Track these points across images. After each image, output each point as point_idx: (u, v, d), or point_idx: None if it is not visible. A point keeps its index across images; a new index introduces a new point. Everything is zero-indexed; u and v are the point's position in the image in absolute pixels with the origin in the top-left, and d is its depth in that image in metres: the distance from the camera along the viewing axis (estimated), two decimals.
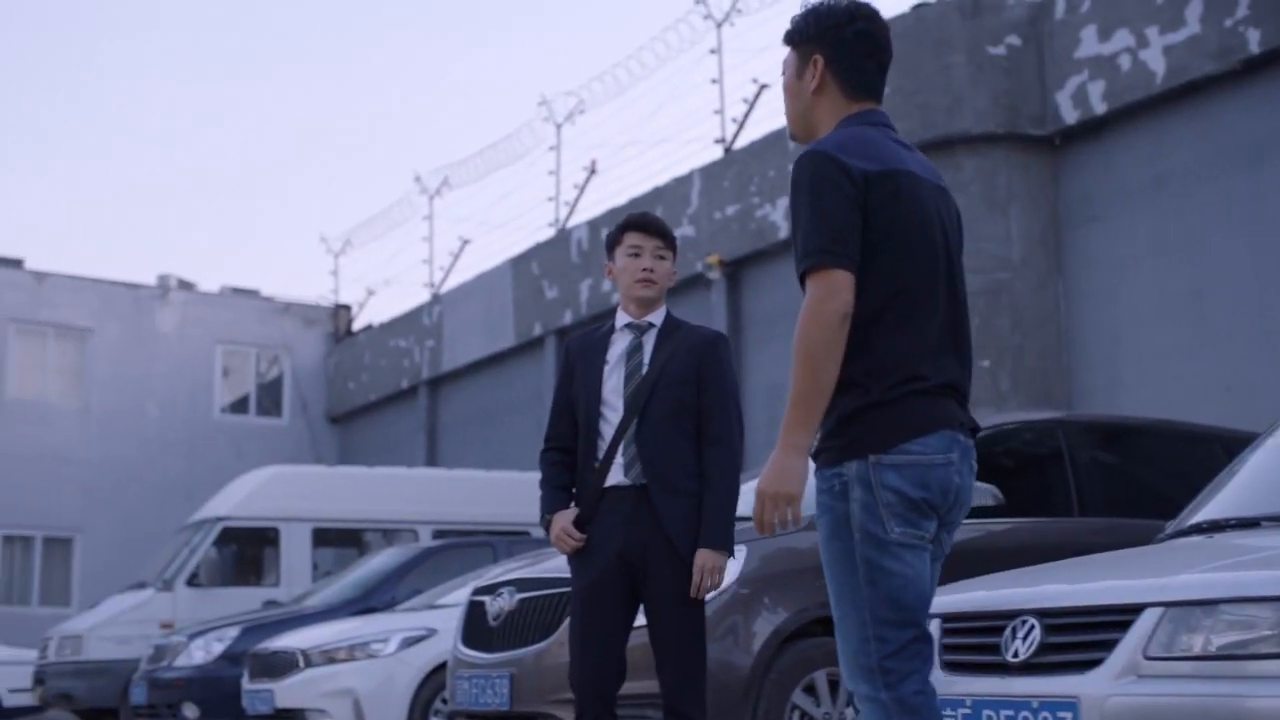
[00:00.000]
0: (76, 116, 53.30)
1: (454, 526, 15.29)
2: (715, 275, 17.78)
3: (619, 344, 5.08)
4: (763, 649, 5.85)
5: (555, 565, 6.46)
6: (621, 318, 5.14)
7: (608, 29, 58.40)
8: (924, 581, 3.32)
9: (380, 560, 12.72)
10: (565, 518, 4.90)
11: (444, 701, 9.10)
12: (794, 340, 3.27)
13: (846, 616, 3.33)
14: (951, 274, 3.46)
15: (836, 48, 3.51)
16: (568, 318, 20.94)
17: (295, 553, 15.17)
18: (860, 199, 3.29)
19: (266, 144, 56.41)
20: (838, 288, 3.22)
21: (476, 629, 6.55)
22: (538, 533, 15.12)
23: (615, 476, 4.81)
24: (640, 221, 5.15)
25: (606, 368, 5.00)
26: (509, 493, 16.20)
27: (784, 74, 3.65)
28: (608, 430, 4.88)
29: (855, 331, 3.27)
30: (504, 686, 6.15)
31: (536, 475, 17.21)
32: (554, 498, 5.01)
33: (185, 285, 28.35)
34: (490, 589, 6.54)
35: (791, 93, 3.61)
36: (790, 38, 3.62)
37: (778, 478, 3.28)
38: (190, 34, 55.38)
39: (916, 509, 3.27)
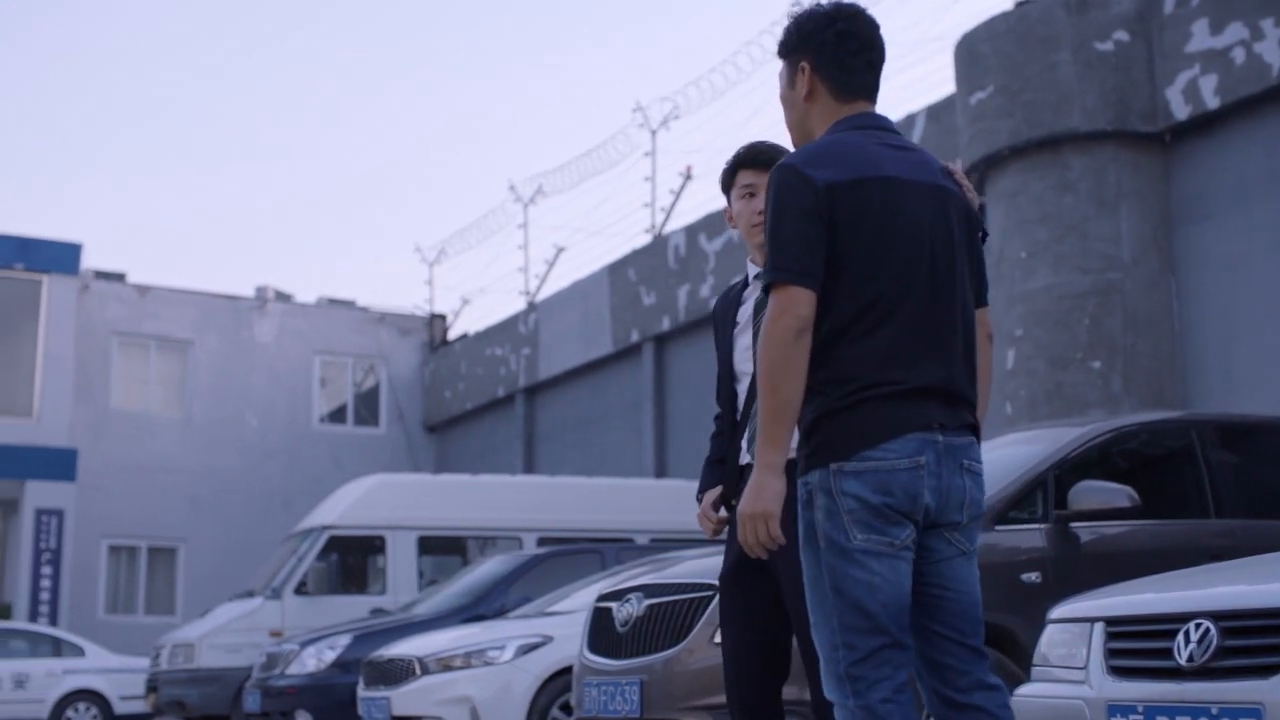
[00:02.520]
0: (177, 133, 54.07)
1: (558, 534, 15.27)
2: None
3: (750, 300, 4.49)
4: None
5: (683, 570, 6.41)
6: (750, 268, 4.56)
7: (703, 35, 58.40)
8: (894, 589, 3.26)
9: (488, 567, 12.72)
10: (708, 498, 4.45)
11: (562, 709, 9.07)
12: (757, 359, 3.29)
13: (818, 625, 3.34)
14: (937, 276, 3.39)
15: (820, 52, 3.52)
16: (665, 324, 20.89)
17: (401, 560, 15.22)
18: (823, 210, 3.28)
19: (361, 156, 56.92)
20: (792, 303, 3.23)
21: (603, 635, 6.50)
22: (643, 539, 15.12)
23: (746, 453, 4.34)
24: (752, 155, 4.51)
25: (737, 329, 4.53)
26: (613, 499, 16.18)
27: (779, 86, 3.65)
28: (740, 400, 4.49)
29: (822, 342, 3.28)
30: (634, 693, 6.09)
31: (639, 482, 17.25)
32: (705, 475, 4.61)
33: (283, 297, 28.63)
34: (617, 595, 6.49)
35: (787, 103, 3.62)
36: (779, 49, 3.63)
37: (754, 498, 3.26)
38: (288, 52, 56.05)
39: (881, 515, 3.24)
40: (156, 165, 54.95)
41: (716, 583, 5.98)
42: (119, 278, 27.61)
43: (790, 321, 3.22)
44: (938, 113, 15.94)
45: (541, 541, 15.15)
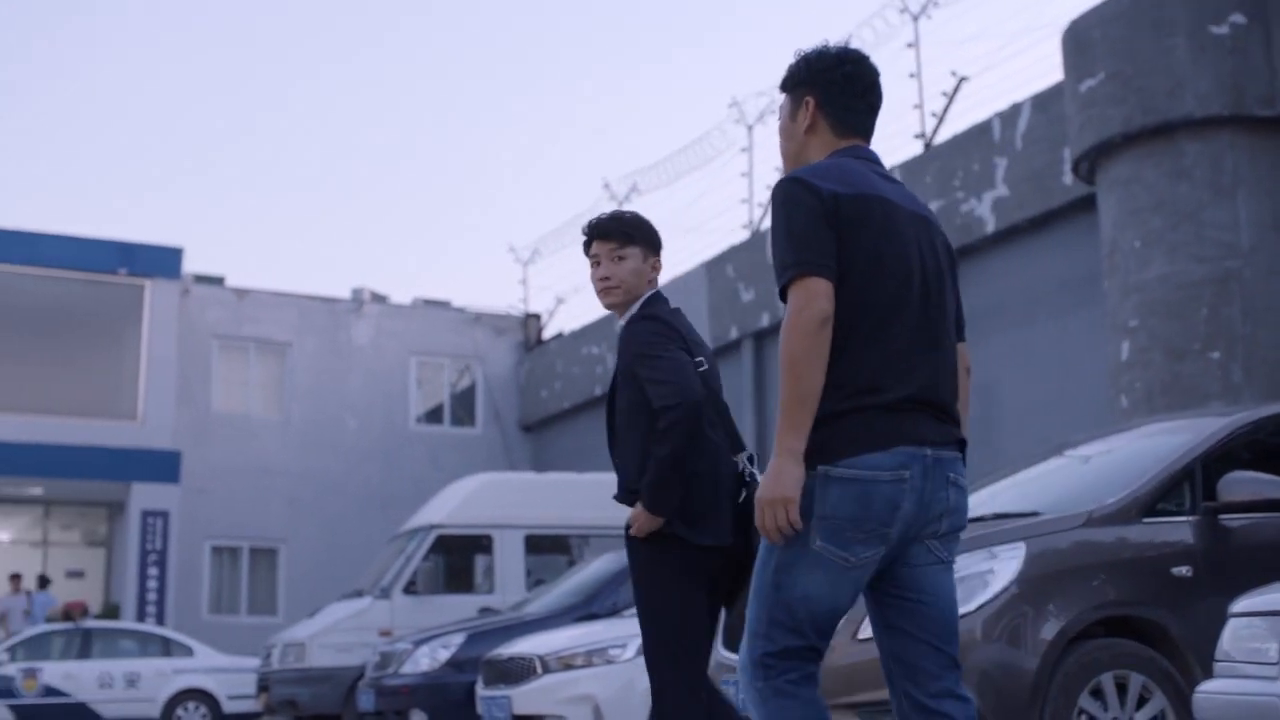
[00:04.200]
0: (271, 138, 54.63)
1: None
2: None
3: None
4: (1048, 651, 5.61)
5: None
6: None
7: (800, 28, 58.18)
8: (829, 601, 3.38)
9: (600, 565, 12.65)
10: None
11: None
12: (780, 350, 3.37)
13: (753, 606, 3.48)
14: (929, 293, 3.53)
15: (827, 90, 3.70)
16: (765, 320, 20.76)
17: (508, 559, 15.21)
18: (830, 216, 3.41)
19: (455, 157, 57.23)
20: (815, 294, 3.33)
21: (738, 632, 6.40)
22: None
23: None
24: (590, 226, 4.94)
25: None
26: None
27: (779, 117, 3.83)
28: None
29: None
30: None
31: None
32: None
33: (379, 298, 28.80)
34: None
35: (786, 133, 3.79)
36: (784, 83, 3.80)
37: (773, 484, 3.32)
38: (384, 55, 56.46)
39: (850, 529, 3.33)
40: (253, 169, 55.57)
41: None
42: (218, 281, 27.92)
43: (815, 311, 3.31)
44: (1044, 102, 15.71)
45: None
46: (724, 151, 22.67)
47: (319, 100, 57.57)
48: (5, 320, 24.85)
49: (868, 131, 3.75)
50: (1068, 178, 15.04)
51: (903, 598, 3.51)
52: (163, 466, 24.11)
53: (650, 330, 4.70)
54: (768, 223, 21.30)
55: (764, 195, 21.77)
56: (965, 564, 5.77)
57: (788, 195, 3.47)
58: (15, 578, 22.74)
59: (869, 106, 3.74)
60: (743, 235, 21.84)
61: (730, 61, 59.69)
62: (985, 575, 5.73)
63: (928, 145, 17.99)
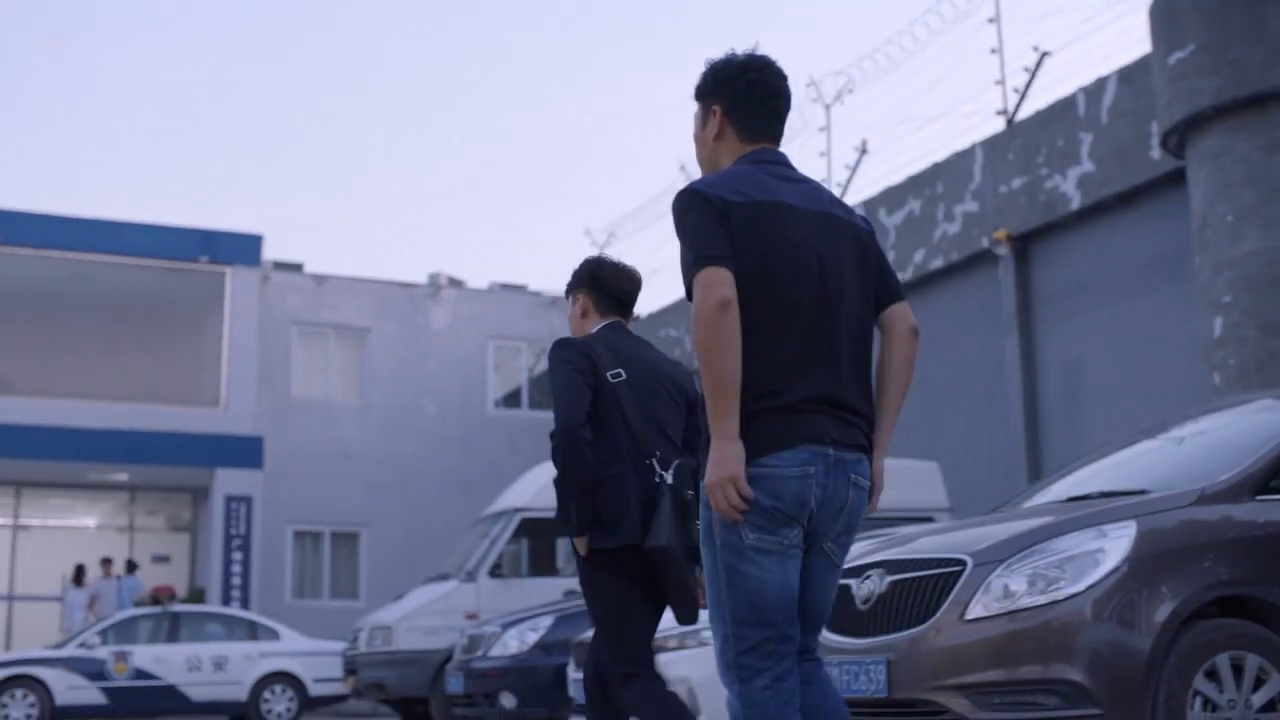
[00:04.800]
0: (348, 124, 54.95)
1: None
2: (1003, 251, 17.28)
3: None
4: (1161, 632, 5.50)
5: (926, 545, 6.23)
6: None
7: (877, 6, 57.72)
8: (782, 585, 3.55)
9: None
10: None
11: None
12: (694, 345, 3.51)
13: (713, 617, 3.63)
14: (826, 295, 3.64)
15: (732, 98, 3.84)
16: None
17: None
18: (723, 219, 3.56)
19: (530, 141, 57.32)
20: (713, 282, 3.46)
21: (841, 613, 6.33)
22: None
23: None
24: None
25: None
26: None
27: (694, 126, 3.97)
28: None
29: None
30: (880, 673, 5.91)
31: None
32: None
33: (455, 283, 28.89)
34: (854, 572, 6.31)
35: (698, 141, 3.95)
36: (695, 93, 3.93)
37: (716, 467, 3.47)
38: (457, 39, 56.63)
39: (771, 517, 3.51)
40: (331, 155, 55.93)
41: (964, 557, 5.83)
42: (297, 268, 28.11)
43: (714, 298, 3.44)
44: (1130, 75, 15.47)
45: None
46: (801, 131, 22.52)
47: (396, 86, 57.86)
48: (90, 309, 25.15)
49: (775, 135, 3.87)
50: (1156, 152, 14.81)
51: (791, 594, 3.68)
52: (246, 452, 24.32)
53: (556, 356, 5.20)
54: (849, 201, 21.16)
55: (842, 175, 21.64)
56: (1074, 542, 5.68)
57: (684, 205, 3.63)
58: (106, 562, 23.02)
59: (773, 112, 3.85)
60: None
61: (808, 40, 59.37)
62: (1095, 554, 5.63)
63: (1010, 121, 17.78)
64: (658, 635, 9.17)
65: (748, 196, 3.62)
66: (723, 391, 3.46)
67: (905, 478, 16.02)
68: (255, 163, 56.81)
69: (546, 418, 28.64)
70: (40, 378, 24.55)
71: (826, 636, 6.44)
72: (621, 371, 5.13)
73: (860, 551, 6.75)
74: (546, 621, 11.82)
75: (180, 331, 25.83)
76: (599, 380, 5.10)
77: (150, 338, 25.50)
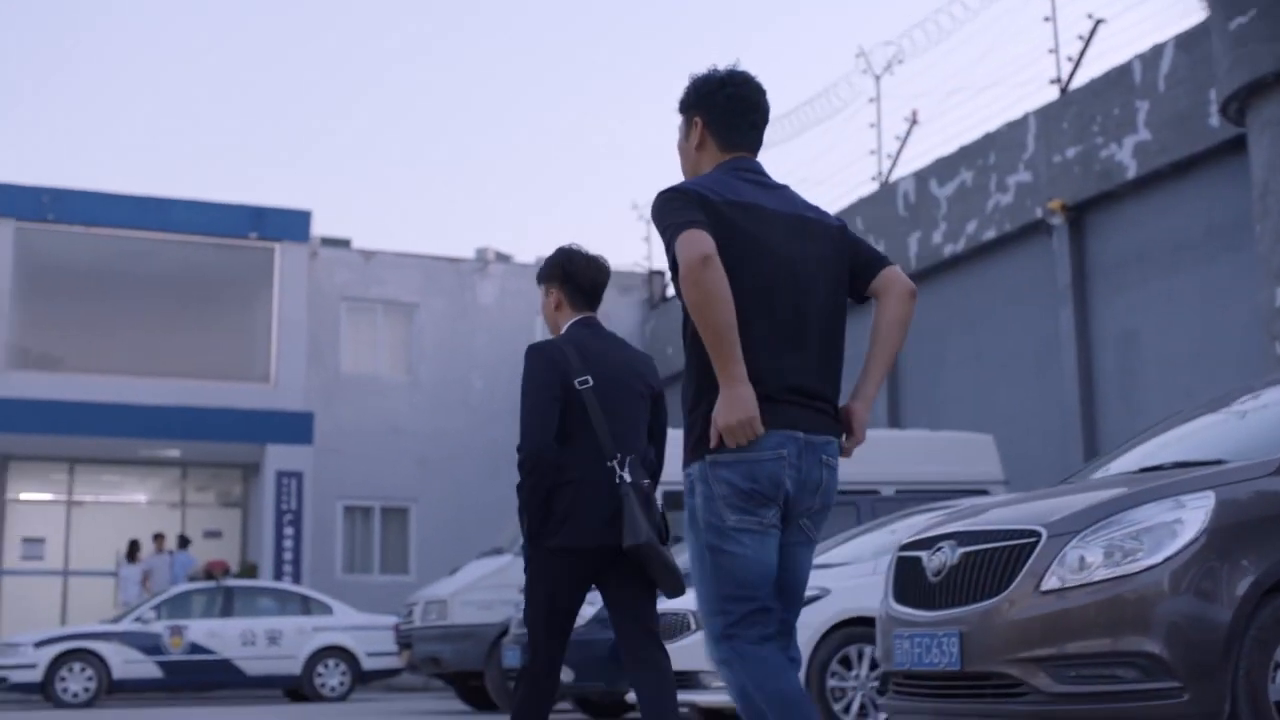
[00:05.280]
0: (395, 101, 55.01)
1: None
2: (1057, 221, 17.12)
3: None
4: (1241, 604, 5.40)
5: (998, 517, 6.15)
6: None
7: None
8: (762, 561, 3.76)
9: None
10: None
11: (840, 663, 8.89)
12: (686, 304, 3.69)
13: (700, 594, 3.84)
14: (798, 291, 3.84)
15: (712, 111, 4.05)
16: None
17: None
18: (700, 209, 3.75)
19: (576, 114, 57.25)
20: (692, 241, 3.65)
21: (912, 585, 6.27)
22: (887, 491, 14.83)
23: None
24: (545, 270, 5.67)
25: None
26: (857, 451, 15.88)
27: (678, 136, 4.17)
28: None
29: (693, 342, 3.77)
30: (953, 645, 5.85)
31: (878, 433, 16.82)
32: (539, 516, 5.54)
33: (502, 258, 28.86)
34: (925, 544, 6.25)
35: (681, 150, 4.16)
36: (679, 105, 4.14)
37: (728, 409, 3.65)
38: (502, 12, 56.56)
39: (749, 499, 3.72)
40: (377, 131, 56.01)
41: (1038, 528, 5.75)
42: (344, 244, 28.14)
43: (694, 253, 3.62)
44: (1188, 42, 15.27)
45: None
46: (851, 103, 22.38)
47: (441, 61, 57.88)
48: (141, 286, 25.27)
49: (753, 145, 4.08)
50: (1215, 119, 14.62)
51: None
52: (296, 428, 24.40)
53: (528, 365, 5.31)
54: (898, 173, 21.03)
55: (892, 146, 21.49)
56: (1151, 513, 5.60)
57: (663, 201, 3.84)
58: (159, 537, 23.16)
59: (751, 124, 4.05)
60: (872, 188, 21.56)
61: (858, 11, 59.00)
62: (1173, 525, 5.54)
63: (1064, 90, 17.59)
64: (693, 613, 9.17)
65: (723, 197, 3.83)
66: (722, 341, 3.62)
67: (960, 450, 15.92)
68: (303, 139, 56.95)
69: None
70: (92, 355, 24.70)
71: (895, 608, 6.40)
72: (589, 379, 5.28)
73: (929, 523, 6.69)
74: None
75: (230, 308, 25.92)
76: (567, 391, 5.26)
77: (201, 314, 25.60)
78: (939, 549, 6.12)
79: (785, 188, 4.03)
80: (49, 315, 24.86)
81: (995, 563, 5.84)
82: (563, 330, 5.51)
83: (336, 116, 56.08)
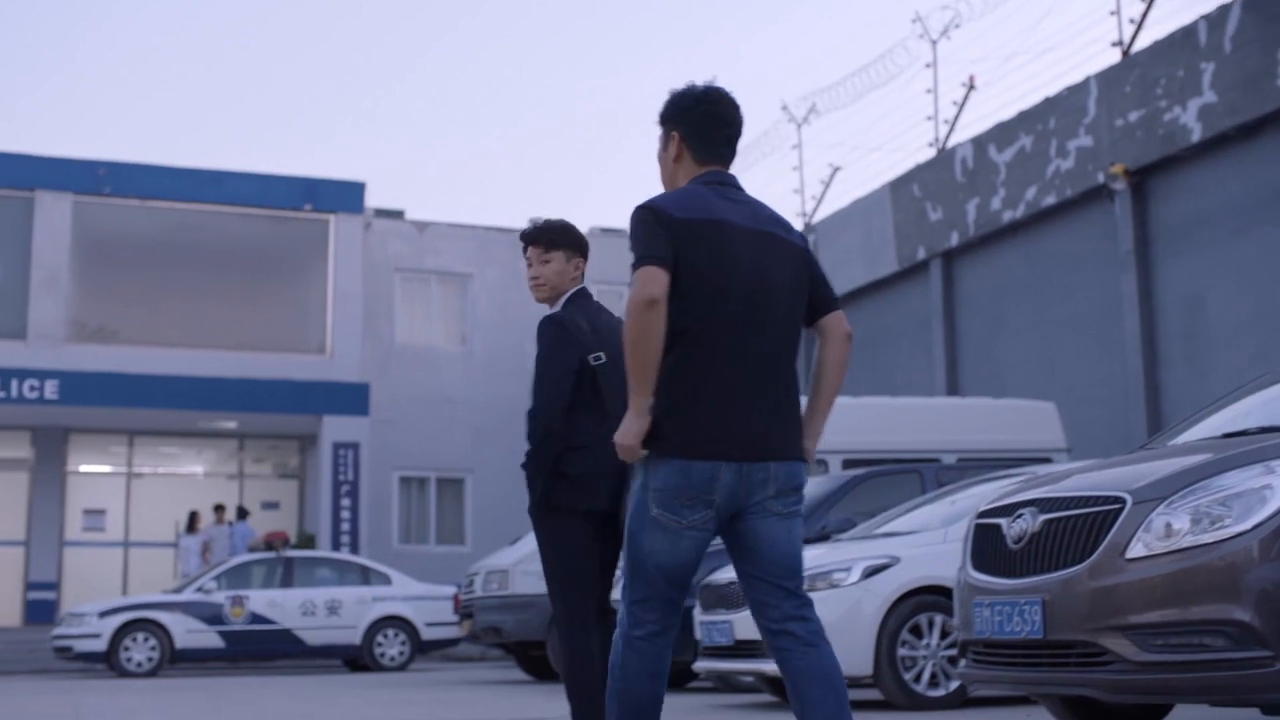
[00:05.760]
0: (448, 71, 55.00)
1: (864, 455, 14.97)
2: (1119, 186, 16.91)
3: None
4: None
5: (1080, 483, 6.05)
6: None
7: None
8: (670, 556, 4.02)
9: (806, 489, 12.46)
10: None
11: (911, 632, 8.81)
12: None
13: (623, 568, 4.14)
14: (755, 309, 4.07)
15: (689, 125, 4.28)
16: (954, 239, 20.33)
17: None
18: (669, 231, 4.01)
19: (627, 82, 57.07)
20: (646, 280, 3.93)
21: (991, 553, 6.18)
22: (949, 459, 14.73)
23: None
24: (522, 234, 5.67)
25: None
26: (916, 419, 15.81)
27: (657, 147, 4.41)
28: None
29: (670, 351, 4.01)
30: (1035, 614, 5.75)
31: (942, 401, 16.72)
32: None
33: None
34: (1005, 511, 6.15)
35: (660, 161, 4.39)
36: (658, 118, 4.37)
37: (626, 431, 4.01)
38: None
39: (678, 498, 3.96)
40: (429, 102, 56.03)
41: (1123, 495, 5.65)
42: (398, 215, 28.16)
43: (642, 295, 3.91)
44: (1256, 2, 15.02)
45: (847, 464, 14.87)
46: (907, 68, 22.17)
47: (495, 31, 57.80)
48: (197, 258, 25.37)
49: (726, 158, 4.30)
50: None
51: (744, 547, 4.14)
52: (352, 399, 24.47)
53: (550, 337, 5.32)
54: (955, 139, 20.83)
55: (949, 112, 21.29)
56: (1239, 479, 5.49)
57: (638, 219, 4.08)
58: (218, 508, 23.30)
59: (726, 138, 4.28)
60: (929, 153, 21.36)
61: None
62: (1262, 491, 5.43)
63: (1126, 53, 17.35)
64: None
65: (692, 214, 4.07)
66: (642, 374, 3.96)
67: (1022, 418, 15.80)
68: (357, 111, 57.05)
69: None
70: (149, 328, 24.83)
71: (974, 575, 6.31)
72: (602, 355, 5.37)
73: (1006, 490, 6.59)
74: None
75: (286, 280, 26.01)
76: (582, 364, 5.35)
77: (256, 286, 25.70)
78: (1019, 516, 6.02)
79: (754, 202, 4.26)
80: (106, 289, 25.02)
81: (1078, 529, 5.74)
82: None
83: (390, 88, 56.17)
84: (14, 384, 22.63)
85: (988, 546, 6.24)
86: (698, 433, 3.99)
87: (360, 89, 56.58)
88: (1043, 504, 5.97)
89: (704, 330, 4.01)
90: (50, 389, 22.78)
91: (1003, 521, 6.13)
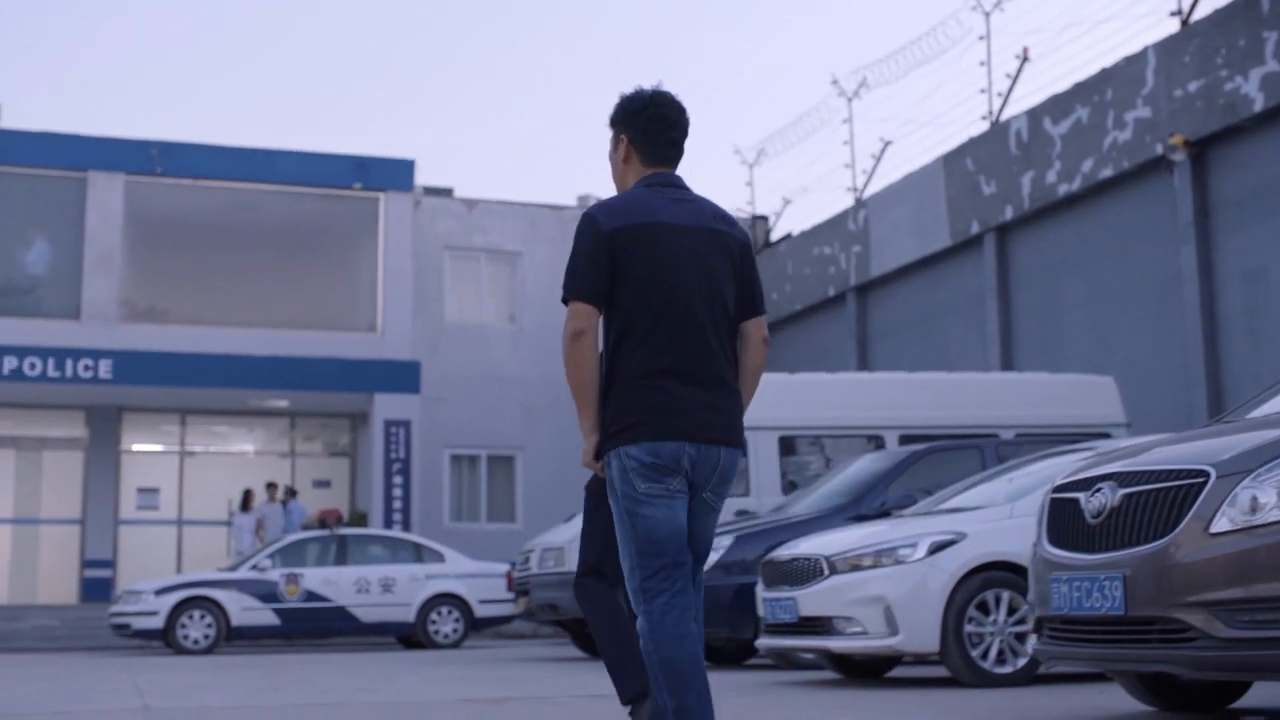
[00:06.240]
0: (495, 49, 54.95)
1: (921, 431, 14.86)
2: (1179, 157, 16.68)
3: None
4: None
5: (1161, 457, 5.94)
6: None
7: None
8: (671, 522, 4.30)
9: (864, 466, 12.36)
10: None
11: (978, 608, 8.71)
12: None
13: (621, 552, 4.39)
14: (694, 305, 4.37)
15: (636, 129, 4.57)
16: (1008, 213, 20.13)
17: (763, 461, 15.00)
18: (605, 248, 4.32)
19: (677, 57, 56.87)
20: (575, 315, 4.30)
21: (1068, 528, 6.07)
22: (1007, 434, 14.59)
23: None
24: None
25: None
26: (974, 394, 15.66)
27: (609, 147, 4.70)
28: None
29: (613, 346, 4.36)
30: (1116, 589, 5.66)
31: (1000, 376, 16.57)
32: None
33: None
34: (1083, 485, 6.04)
35: (611, 161, 4.69)
36: (609, 121, 4.66)
37: (584, 453, 4.42)
38: None
39: (655, 470, 4.27)
40: (477, 80, 56.00)
41: (1206, 468, 5.54)
42: (447, 193, 28.14)
43: (571, 330, 4.30)
44: None
45: (903, 440, 14.74)
46: (960, 41, 21.94)
47: (545, 7, 57.68)
48: (247, 237, 25.42)
49: (672, 159, 4.60)
50: None
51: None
52: (403, 376, 24.50)
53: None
54: (1009, 112, 20.62)
55: (1003, 85, 21.06)
56: None
57: (580, 229, 4.40)
58: (271, 486, 23.37)
59: (671, 140, 4.58)
60: (982, 127, 21.14)
61: None
62: None
63: (1185, 22, 17.09)
64: (851, 553, 9.04)
65: (630, 219, 4.37)
66: (582, 397, 4.35)
67: (1081, 393, 15.63)
68: (405, 89, 57.09)
69: None
70: (201, 307, 24.90)
71: (1050, 551, 6.22)
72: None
73: (1081, 465, 6.48)
74: (726, 541, 11.66)
75: (336, 258, 26.03)
76: None
77: (307, 265, 25.73)
78: (1098, 490, 5.92)
79: (698, 199, 4.56)
80: (158, 268, 25.10)
81: (1160, 504, 5.64)
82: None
83: (439, 65, 56.16)
84: (69, 363, 22.77)
85: (1065, 521, 6.14)
86: (659, 420, 4.29)
87: (409, 67, 56.63)
88: (1122, 478, 5.87)
89: (650, 327, 4.33)
90: (104, 368, 22.90)
91: (1080, 496, 6.03)
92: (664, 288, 4.35)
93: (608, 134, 4.65)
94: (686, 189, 4.57)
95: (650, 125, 4.55)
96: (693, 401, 4.32)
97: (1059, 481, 6.37)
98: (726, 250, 4.48)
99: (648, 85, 4.66)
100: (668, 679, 4.28)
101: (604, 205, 4.45)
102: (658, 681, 4.30)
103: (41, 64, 58.11)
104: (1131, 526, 5.72)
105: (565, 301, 4.36)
